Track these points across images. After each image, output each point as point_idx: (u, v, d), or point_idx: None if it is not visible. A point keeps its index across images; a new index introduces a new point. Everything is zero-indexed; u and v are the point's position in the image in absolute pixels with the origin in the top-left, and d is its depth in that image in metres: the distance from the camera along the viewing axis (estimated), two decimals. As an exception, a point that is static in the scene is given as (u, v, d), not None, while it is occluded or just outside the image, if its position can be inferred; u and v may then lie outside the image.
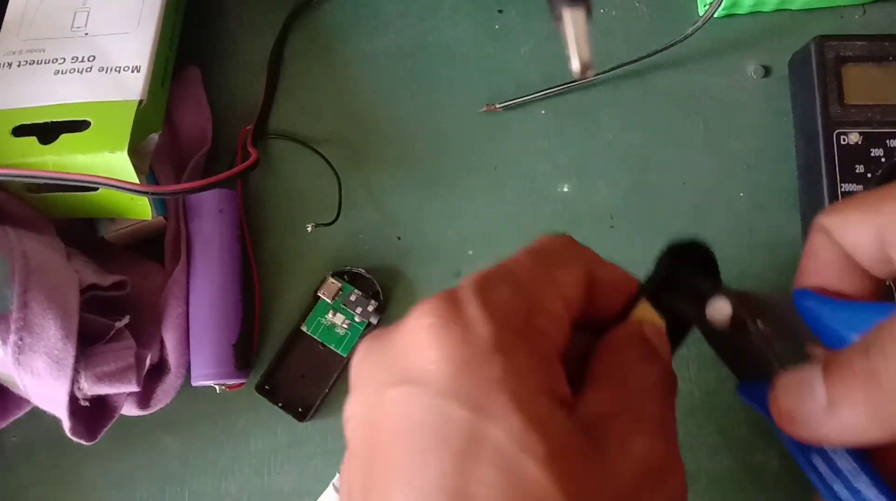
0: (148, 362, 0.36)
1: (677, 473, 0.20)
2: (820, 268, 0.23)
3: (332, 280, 0.41)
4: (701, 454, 0.39)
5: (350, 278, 0.41)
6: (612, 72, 0.42)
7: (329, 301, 0.40)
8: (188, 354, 0.39)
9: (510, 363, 0.18)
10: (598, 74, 0.42)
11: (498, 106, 0.43)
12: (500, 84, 0.44)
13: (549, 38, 0.44)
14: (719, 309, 0.23)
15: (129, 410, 0.38)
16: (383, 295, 0.41)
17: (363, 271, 0.41)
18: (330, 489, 0.39)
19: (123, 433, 0.40)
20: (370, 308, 0.40)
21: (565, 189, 0.42)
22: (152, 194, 0.37)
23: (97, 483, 0.40)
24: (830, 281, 0.23)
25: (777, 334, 0.23)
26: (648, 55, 0.42)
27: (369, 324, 0.40)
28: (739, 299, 0.23)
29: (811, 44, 0.40)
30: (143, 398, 0.38)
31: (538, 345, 0.19)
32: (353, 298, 0.40)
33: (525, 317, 0.19)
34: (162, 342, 0.39)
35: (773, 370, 0.22)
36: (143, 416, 0.39)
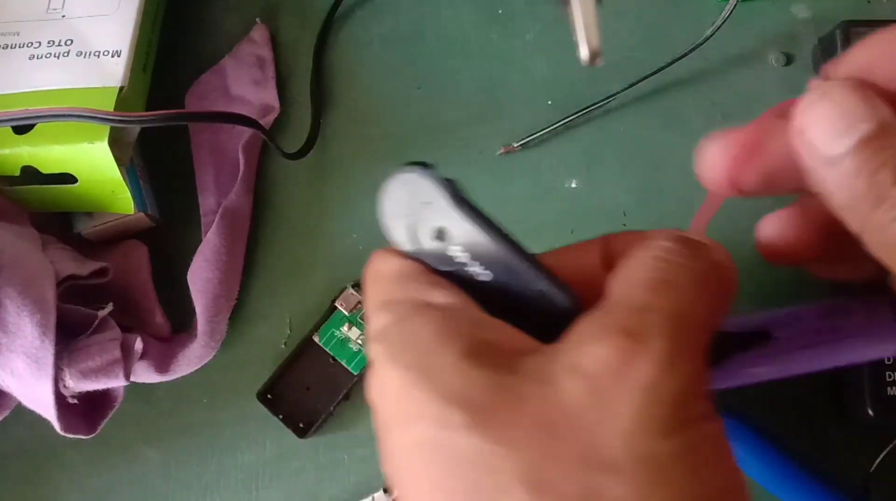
0: (139, 346, 0.38)
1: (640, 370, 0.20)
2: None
3: (352, 291, 0.42)
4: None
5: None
6: (632, 88, 0.43)
7: (346, 313, 0.42)
8: (219, 323, 0.41)
9: (411, 359, 0.21)
10: (616, 94, 0.43)
11: (515, 145, 0.44)
12: (504, 72, 0.45)
13: (555, 24, 0.46)
14: None
15: (148, 376, 0.40)
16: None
17: None
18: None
19: (101, 446, 0.41)
20: None
21: (573, 185, 0.43)
22: (118, 121, 0.37)
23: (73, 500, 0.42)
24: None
25: None
26: (668, 64, 0.43)
27: None
28: None
29: (836, 30, 0.41)
30: (162, 363, 0.40)
31: (450, 312, 0.22)
32: None
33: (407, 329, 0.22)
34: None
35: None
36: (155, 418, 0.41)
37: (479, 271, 0.23)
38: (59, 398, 0.36)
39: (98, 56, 0.40)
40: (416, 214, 0.23)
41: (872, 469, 0.38)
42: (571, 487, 0.19)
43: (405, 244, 0.24)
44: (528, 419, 0.19)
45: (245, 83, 0.45)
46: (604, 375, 0.19)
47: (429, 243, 0.23)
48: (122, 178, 0.39)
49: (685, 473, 0.19)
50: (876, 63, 0.23)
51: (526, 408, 0.20)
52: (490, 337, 0.22)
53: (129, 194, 0.40)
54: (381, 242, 0.42)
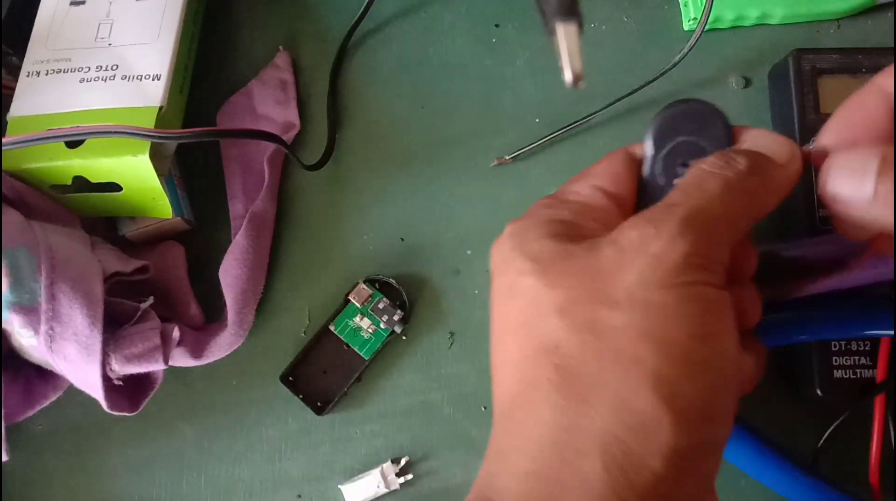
0: (177, 334, 0.39)
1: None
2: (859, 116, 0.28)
3: (364, 286, 0.43)
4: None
5: (380, 286, 0.44)
6: (610, 107, 0.45)
7: (358, 306, 0.43)
8: (247, 314, 0.42)
9: (516, 236, 0.28)
10: (596, 113, 0.45)
11: (508, 158, 0.45)
12: (497, 94, 0.46)
13: (542, 51, 0.47)
14: None
15: (184, 361, 0.41)
16: (409, 306, 0.43)
17: (393, 281, 0.44)
18: (375, 472, 0.41)
19: (143, 422, 0.42)
20: (395, 317, 0.42)
21: (559, 192, 0.44)
22: (157, 137, 0.38)
23: (119, 470, 0.43)
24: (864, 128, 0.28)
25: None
26: (641, 87, 0.44)
27: (392, 332, 0.43)
28: None
29: (789, 57, 0.42)
30: (197, 349, 0.41)
31: (548, 216, 0.28)
32: (381, 305, 0.43)
33: (547, 207, 0.29)
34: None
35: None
36: (190, 394, 0.43)
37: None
38: (106, 381, 0.37)
39: (140, 79, 0.41)
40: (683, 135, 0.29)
41: (820, 444, 0.39)
42: (584, 314, 0.25)
43: (648, 150, 0.29)
44: (572, 270, 0.26)
45: (269, 103, 0.46)
46: (629, 247, 0.25)
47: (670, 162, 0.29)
48: (161, 187, 0.40)
49: (672, 316, 0.24)
50: (849, 130, 0.28)
51: (574, 264, 0.26)
52: (578, 227, 0.27)
53: (167, 201, 0.41)
54: (388, 242, 0.43)
